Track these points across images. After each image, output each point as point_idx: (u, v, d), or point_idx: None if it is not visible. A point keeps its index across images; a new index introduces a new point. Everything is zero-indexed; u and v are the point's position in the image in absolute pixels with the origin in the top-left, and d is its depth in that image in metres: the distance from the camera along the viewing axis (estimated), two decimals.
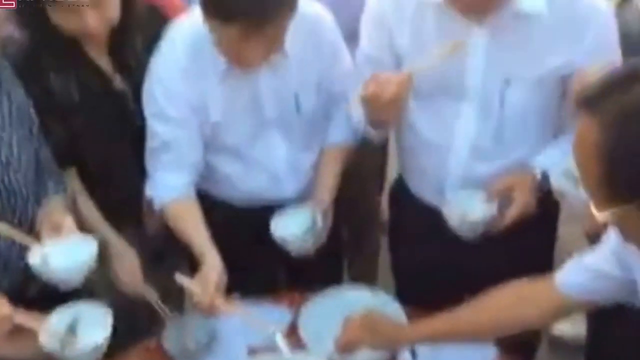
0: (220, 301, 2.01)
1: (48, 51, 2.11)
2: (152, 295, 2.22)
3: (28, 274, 1.93)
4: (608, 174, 1.25)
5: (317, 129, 2.35)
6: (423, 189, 2.30)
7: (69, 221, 1.95)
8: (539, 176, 2.08)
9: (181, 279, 2.02)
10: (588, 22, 1.96)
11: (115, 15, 2.09)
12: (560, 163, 1.94)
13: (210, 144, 2.24)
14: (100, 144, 2.21)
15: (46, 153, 2.12)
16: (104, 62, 2.21)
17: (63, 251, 1.89)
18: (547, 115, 2.09)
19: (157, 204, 2.22)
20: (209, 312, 2.03)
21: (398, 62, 2.11)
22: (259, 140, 2.25)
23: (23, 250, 1.92)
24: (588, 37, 1.96)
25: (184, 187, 2.23)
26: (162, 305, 2.20)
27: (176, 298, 2.30)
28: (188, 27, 2.11)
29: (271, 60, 2.08)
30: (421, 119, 2.16)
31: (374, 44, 2.15)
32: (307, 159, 2.36)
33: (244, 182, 2.31)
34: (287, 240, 2.18)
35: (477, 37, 1.98)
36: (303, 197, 2.35)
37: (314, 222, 2.19)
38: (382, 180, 3.60)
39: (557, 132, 2.17)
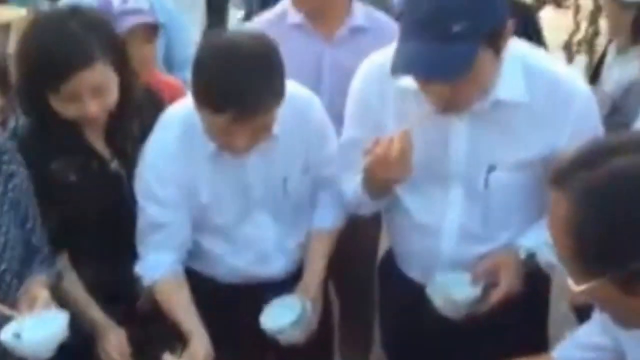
0: None
1: (48, 136, 2.20)
2: None
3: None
4: (579, 249, 1.29)
5: (304, 210, 2.40)
6: (412, 269, 2.31)
7: (44, 295, 1.98)
8: (523, 255, 2.11)
9: (168, 358, 2.03)
10: (569, 106, 2.00)
11: (114, 102, 2.19)
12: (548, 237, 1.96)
13: (199, 224, 2.29)
14: (95, 225, 2.26)
15: (38, 236, 2.16)
16: (100, 146, 2.29)
17: (34, 325, 1.91)
18: (533, 197, 2.12)
19: (146, 282, 2.26)
20: None
21: None
22: (247, 220, 2.30)
23: None
24: (570, 120, 2.00)
25: (172, 265, 2.26)
26: None
27: None
28: (180, 112, 2.21)
29: (260, 145, 2.15)
30: (409, 203, 2.20)
31: (358, 126, 2.22)
32: (295, 239, 2.40)
33: (232, 261, 2.34)
34: (277, 333, 2.19)
35: (459, 124, 2.04)
36: (291, 275, 2.38)
37: (303, 311, 2.21)
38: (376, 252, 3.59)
39: (542, 212, 2.18)
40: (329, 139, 2.36)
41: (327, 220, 2.40)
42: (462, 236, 2.15)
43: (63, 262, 2.27)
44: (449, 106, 1.93)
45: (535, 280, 2.16)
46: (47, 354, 1.93)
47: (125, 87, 2.21)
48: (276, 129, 2.15)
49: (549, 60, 2.10)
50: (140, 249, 2.27)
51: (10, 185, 2.05)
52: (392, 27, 2.70)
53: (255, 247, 2.33)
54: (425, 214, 2.17)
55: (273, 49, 2.05)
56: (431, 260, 2.20)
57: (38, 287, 2.02)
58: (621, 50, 3.31)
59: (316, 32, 2.78)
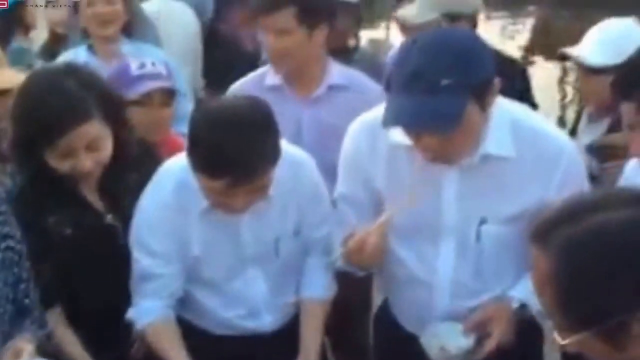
0: None
1: (43, 191, 2.23)
2: None
3: None
4: (561, 303, 1.30)
5: (294, 270, 2.41)
6: (406, 320, 2.33)
7: (29, 348, 1.96)
8: (515, 306, 2.13)
9: None
10: (556, 161, 2.06)
11: (108, 157, 2.23)
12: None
13: (191, 276, 2.32)
14: (89, 278, 2.27)
15: (31, 297, 2.13)
16: (95, 200, 2.33)
17: None
18: (525, 249, 2.12)
19: (138, 326, 2.28)
20: None
21: (376, 200, 2.21)
22: (238, 276, 2.32)
23: None
24: (557, 174, 2.06)
25: (164, 310, 2.28)
26: None
27: None
28: (176, 166, 2.26)
29: (254, 205, 2.19)
30: (403, 256, 2.22)
31: (350, 183, 2.27)
32: (286, 297, 2.41)
33: (222, 314, 2.36)
34: None
35: (450, 178, 2.09)
36: (282, 329, 2.40)
37: None
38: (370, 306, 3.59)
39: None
40: (322, 200, 2.38)
41: (319, 289, 2.40)
42: (454, 290, 2.17)
43: (56, 316, 2.27)
44: (439, 157, 1.99)
45: (527, 330, 2.17)
46: None
47: (120, 142, 2.26)
48: (270, 189, 2.19)
49: (536, 118, 2.17)
50: (134, 296, 2.30)
51: (3, 246, 2.05)
52: (369, 84, 2.83)
53: (245, 303, 2.35)
54: (418, 267, 2.19)
55: (267, 112, 2.11)
56: (425, 313, 2.21)
57: (24, 341, 2.00)
58: (592, 119, 3.00)
59: (294, 93, 2.81)
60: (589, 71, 2.81)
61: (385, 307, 2.45)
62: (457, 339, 2.13)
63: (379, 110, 2.03)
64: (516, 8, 12.53)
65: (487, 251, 2.12)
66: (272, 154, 2.07)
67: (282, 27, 2.65)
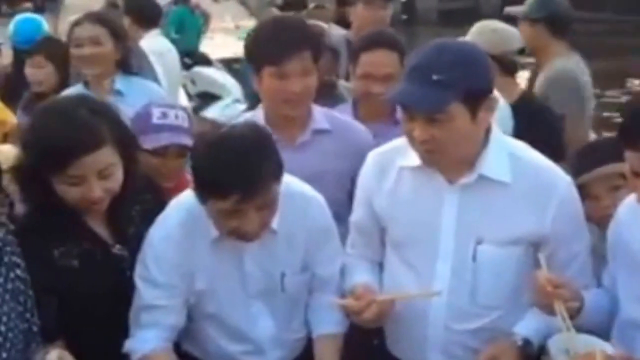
0: None
1: (49, 223, 2.22)
2: None
3: None
4: None
5: (300, 306, 2.44)
6: (403, 351, 2.36)
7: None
8: (520, 342, 2.18)
9: None
10: (549, 194, 2.18)
11: (118, 186, 2.24)
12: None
13: (195, 310, 2.33)
14: (96, 308, 2.26)
15: (36, 325, 2.13)
16: (102, 231, 2.33)
17: None
18: (521, 276, 2.21)
19: (135, 357, 2.26)
20: None
21: (379, 225, 2.33)
22: (243, 311, 2.33)
23: None
24: (551, 207, 2.17)
25: (162, 342, 2.28)
26: None
27: None
28: (185, 200, 2.29)
29: (261, 237, 2.23)
30: (400, 274, 2.30)
31: (358, 211, 2.40)
32: (294, 331, 2.42)
33: (228, 349, 2.36)
34: None
35: (449, 199, 2.20)
36: None
37: None
38: None
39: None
40: (331, 238, 2.42)
41: (331, 325, 2.40)
42: (449, 313, 2.22)
43: (59, 350, 2.18)
44: (431, 154, 2.14)
45: None
46: None
47: (128, 173, 2.28)
48: (274, 222, 2.24)
49: (533, 152, 2.28)
50: (132, 327, 2.29)
51: (12, 275, 2.06)
52: (352, 126, 2.85)
53: (251, 338, 2.35)
54: (414, 286, 2.25)
55: (264, 131, 2.21)
56: (421, 337, 2.26)
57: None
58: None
59: (279, 140, 2.60)
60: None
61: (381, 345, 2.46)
62: None
63: (392, 145, 2.30)
64: None
65: (483, 272, 2.20)
66: (274, 168, 2.15)
67: (307, 68, 2.64)
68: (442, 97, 2.05)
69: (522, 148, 2.25)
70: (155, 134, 2.71)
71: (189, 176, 2.80)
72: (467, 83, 2.06)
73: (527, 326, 2.20)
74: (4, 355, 1.98)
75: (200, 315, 2.34)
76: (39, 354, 2.05)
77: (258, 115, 2.74)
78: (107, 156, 2.19)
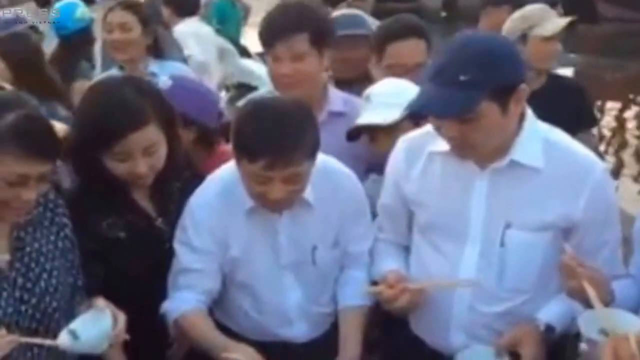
0: None
1: (98, 196, 2.37)
2: None
3: None
4: None
5: (330, 281, 2.53)
6: (427, 330, 2.43)
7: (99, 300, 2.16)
8: (542, 327, 2.23)
9: (227, 355, 2.20)
10: (583, 180, 2.20)
11: (162, 163, 2.38)
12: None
13: (228, 279, 2.45)
14: (138, 279, 2.40)
15: (81, 279, 2.32)
16: (146, 205, 2.48)
17: (86, 323, 2.11)
18: (549, 262, 2.25)
19: (170, 317, 2.38)
20: None
21: (408, 210, 2.41)
22: (274, 281, 2.44)
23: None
24: (584, 193, 2.19)
25: (197, 304, 2.40)
26: None
27: None
28: (223, 171, 2.44)
29: (294, 208, 2.34)
30: (427, 258, 2.37)
31: (387, 194, 2.48)
32: (319, 307, 2.52)
33: (256, 318, 2.47)
34: None
35: (480, 183, 2.25)
36: (314, 340, 2.50)
37: None
38: None
39: (561, 283, 2.29)
40: (363, 216, 2.52)
41: (358, 298, 2.47)
42: (475, 294, 2.28)
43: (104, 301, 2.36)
44: (462, 148, 2.18)
45: (554, 353, 2.27)
46: (102, 347, 2.11)
47: (171, 150, 2.41)
48: (311, 197, 2.35)
49: (568, 138, 2.30)
50: (170, 290, 2.42)
51: (62, 234, 2.26)
52: None
53: (279, 309, 2.46)
54: (441, 269, 2.32)
55: (308, 109, 2.32)
56: (445, 319, 2.33)
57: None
58: None
59: None
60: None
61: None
62: None
63: (421, 130, 2.33)
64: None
65: (510, 256, 2.24)
66: (309, 145, 2.24)
67: (297, 53, 2.77)
68: (470, 98, 2.03)
69: (558, 134, 2.28)
70: None
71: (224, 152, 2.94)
72: (495, 80, 2.05)
73: (551, 312, 2.25)
74: (55, 304, 2.18)
75: (233, 284, 2.45)
76: (83, 305, 2.22)
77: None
78: (152, 134, 2.32)
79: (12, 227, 2.15)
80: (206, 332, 2.34)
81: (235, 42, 6.73)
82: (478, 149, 2.17)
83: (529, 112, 2.25)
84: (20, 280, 2.14)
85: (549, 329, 2.23)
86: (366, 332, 2.48)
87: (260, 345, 2.40)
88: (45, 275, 2.18)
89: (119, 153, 2.29)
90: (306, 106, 2.32)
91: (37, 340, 2.08)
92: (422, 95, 2.14)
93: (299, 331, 2.48)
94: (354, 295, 2.48)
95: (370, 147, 2.77)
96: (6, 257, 2.12)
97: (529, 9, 3.75)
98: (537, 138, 2.22)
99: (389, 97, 2.74)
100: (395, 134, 2.60)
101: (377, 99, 2.74)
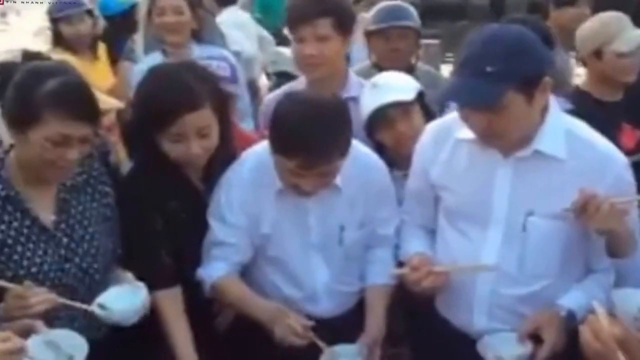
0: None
1: (159, 177, 2.49)
2: None
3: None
4: None
5: (356, 261, 2.63)
6: (451, 311, 2.50)
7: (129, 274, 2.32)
8: (563, 314, 2.29)
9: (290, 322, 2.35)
10: (603, 172, 2.26)
11: (214, 145, 2.49)
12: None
13: (259, 252, 2.56)
14: (197, 259, 2.55)
15: (118, 248, 2.46)
16: (202, 187, 2.60)
17: (120, 294, 2.27)
18: (570, 248, 2.33)
19: (206, 284, 2.52)
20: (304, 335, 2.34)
21: (434, 194, 2.47)
22: (302, 259, 2.55)
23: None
24: (605, 184, 2.24)
25: (231, 271, 2.54)
26: None
27: None
28: (256, 151, 2.56)
29: (323, 193, 2.44)
30: (451, 240, 2.44)
31: (415, 178, 2.56)
32: (345, 285, 2.62)
33: (284, 292, 2.57)
34: None
35: (504, 171, 2.31)
36: (339, 316, 2.60)
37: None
38: None
39: (583, 270, 2.38)
40: (389, 201, 2.63)
41: (384, 277, 2.58)
42: (497, 277, 2.34)
43: (173, 297, 2.51)
44: (489, 138, 2.25)
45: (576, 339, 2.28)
46: (134, 319, 2.25)
47: (224, 134, 2.52)
48: (339, 181, 2.45)
49: (590, 131, 2.36)
50: (204, 259, 2.55)
51: (104, 202, 2.43)
52: None
53: (305, 286, 2.57)
54: (464, 252, 2.39)
55: (345, 108, 2.40)
56: (469, 300, 2.40)
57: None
58: None
59: None
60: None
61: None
62: (513, 348, 2.30)
63: (448, 117, 2.43)
64: None
65: (532, 242, 2.30)
66: (341, 145, 2.35)
67: (321, 35, 2.91)
68: (496, 89, 2.09)
69: (580, 126, 2.34)
70: None
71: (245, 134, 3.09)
72: (521, 71, 2.11)
73: (572, 299, 2.31)
74: (96, 266, 2.36)
75: (264, 258, 2.57)
76: (117, 270, 2.40)
77: (302, 80, 3.08)
78: (206, 116, 2.43)
79: (58, 190, 2.32)
80: (242, 295, 2.50)
81: (277, 31, 6.81)
82: (504, 138, 2.23)
83: (553, 103, 2.31)
84: (65, 240, 2.31)
85: (571, 315, 2.28)
86: (393, 325, 2.57)
87: None
88: (88, 237, 2.35)
89: (174, 134, 2.41)
90: (342, 103, 2.41)
91: (74, 304, 2.22)
92: (452, 86, 2.21)
93: (324, 308, 2.59)
94: (380, 274, 2.59)
95: (384, 134, 2.81)
96: (51, 217, 2.30)
97: (602, 20, 3.45)
98: (560, 129, 2.28)
99: (398, 81, 2.86)
100: (410, 115, 2.75)
101: (387, 84, 2.83)
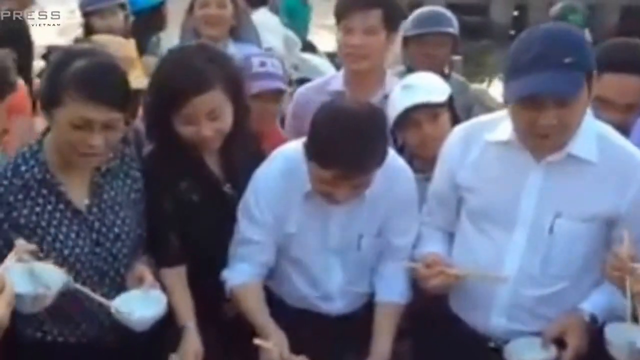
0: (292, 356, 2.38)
1: (175, 159, 2.53)
2: None
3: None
4: None
5: (371, 264, 2.68)
6: (468, 311, 2.53)
7: (150, 277, 2.32)
8: (587, 318, 2.32)
9: (258, 341, 2.38)
10: (633, 175, 2.29)
11: (227, 128, 2.52)
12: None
13: (281, 251, 2.61)
14: (204, 240, 2.58)
15: (145, 231, 2.50)
16: (216, 170, 2.64)
17: (142, 301, 2.27)
18: (594, 251, 2.36)
19: (228, 285, 2.57)
20: None
21: (458, 196, 2.51)
22: (321, 261, 2.61)
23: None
24: (632, 188, 2.29)
25: (254, 277, 2.59)
26: None
27: None
28: (288, 152, 2.59)
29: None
30: (474, 241, 2.47)
31: (440, 179, 2.59)
32: (358, 287, 2.68)
33: (301, 290, 2.65)
34: None
35: (535, 174, 2.34)
36: (351, 313, 2.68)
37: None
38: None
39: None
40: (410, 212, 2.64)
41: (395, 294, 2.63)
42: (520, 278, 2.38)
43: (178, 275, 2.56)
44: (546, 139, 2.24)
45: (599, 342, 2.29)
46: (147, 327, 2.26)
47: (239, 117, 2.55)
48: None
49: (619, 136, 2.40)
50: (230, 259, 2.60)
51: (135, 187, 2.47)
52: None
53: (322, 286, 2.63)
54: (487, 253, 2.42)
55: (383, 118, 2.45)
56: (487, 301, 2.43)
57: (144, 268, 2.37)
58: None
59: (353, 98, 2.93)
60: None
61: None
62: (538, 353, 2.33)
63: (473, 120, 2.52)
64: None
65: (558, 244, 2.33)
66: (379, 156, 2.39)
67: (370, 26, 2.94)
68: (577, 78, 2.15)
69: (609, 130, 2.37)
70: (255, 80, 3.02)
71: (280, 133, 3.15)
72: (590, 62, 2.19)
73: (595, 302, 2.34)
74: (125, 250, 2.41)
75: (285, 258, 2.62)
76: (138, 261, 2.43)
77: (339, 75, 3.11)
78: (216, 99, 2.46)
79: (92, 174, 2.35)
80: (254, 308, 2.52)
81: (302, 39, 6.87)
82: (565, 136, 2.25)
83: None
84: (97, 224, 2.35)
85: (593, 319, 2.31)
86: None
87: (298, 312, 2.63)
88: (119, 222, 2.39)
89: (185, 115, 2.44)
90: (380, 112, 2.45)
91: (95, 296, 2.23)
92: (529, 82, 2.15)
93: (337, 306, 2.66)
94: (393, 291, 2.63)
95: (410, 135, 2.84)
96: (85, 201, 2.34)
97: None
98: (592, 132, 2.32)
99: (430, 83, 2.88)
100: (439, 118, 2.77)
101: (419, 85, 2.85)
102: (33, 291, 1.98)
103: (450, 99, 2.88)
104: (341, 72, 3.15)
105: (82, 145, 2.20)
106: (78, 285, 2.18)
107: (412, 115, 2.79)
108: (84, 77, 2.16)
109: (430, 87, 2.85)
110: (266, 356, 2.36)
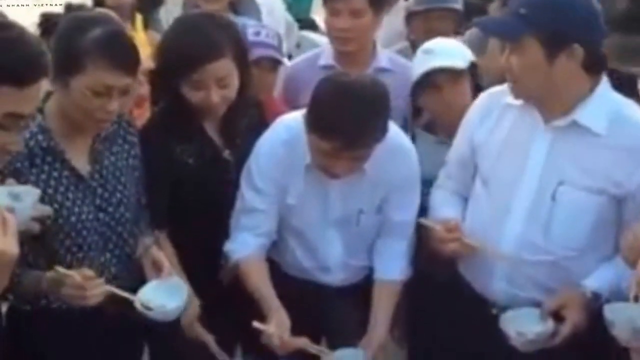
0: (292, 339, 2.40)
1: (175, 123, 2.56)
2: (209, 339, 2.59)
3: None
4: None
5: (370, 240, 2.71)
6: (473, 273, 2.56)
7: (167, 264, 2.37)
8: (589, 295, 2.32)
9: (258, 324, 2.39)
10: None
11: (234, 95, 2.55)
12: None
13: (282, 222, 2.64)
14: (201, 205, 2.59)
15: (144, 198, 2.54)
16: (216, 136, 2.67)
17: (163, 292, 2.32)
18: (600, 226, 2.36)
19: (231, 259, 2.59)
20: (284, 348, 2.39)
21: (475, 161, 2.54)
22: (320, 233, 2.64)
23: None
24: None
25: (257, 249, 2.61)
26: (218, 348, 2.58)
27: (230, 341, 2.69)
28: (290, 121, 2.60)
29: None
30: (483, 205, 2.50)
31: (461, 144, 2.62)
32: (357, 260, 2.71)
33: (300, 261, 2.69)
34: None
35: (541, 138, 2.37)
36: (349, 284, 2.72)
37: None
38: None
39: (613, 249, 2.37)
40: (411, 188, 2.65)
41: (395, 272, 2.66)
42: (521, 242, 2.40)
43: (163, 238, 2.60)
44: (511, 85, 2.35)
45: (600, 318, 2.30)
46: (173, 317, 2.33)
47: (243, 85, 2.58)
48: (366, 164, 2.49)
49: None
50: (232, 226, 2.62)
51: (132, 152, 2.49)
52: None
53: (321, 257, 2.67)
54: (490, 217, 2.46)
55: (385, 93, 2.44)
56: (489, 263, 2.45)
57: (156, 250, 2.44)
58: None
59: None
60: None
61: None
62: (535, 324, 2.34)
63: (500, 88, 2.50)
64: None
65: (559, 211, 2.34)
66: (379, 130, 2.39)
67: (356, 8, 2.97)
68: (517, 27, 2.23)
69: (629, 106, 2.36)
70: (250, 49, 2.97)
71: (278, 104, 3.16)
72: (552, 26, 2.20)
73: (599, 279, 2.34)
74: (127, 215, 2.44)
75: (286, 228, 2.66)
76: (146, 237, 2.49)
77: (329, 49, 3.13)
78: (227, 66, 2.49)
79: (93, 140, 2.37)
80: (258, 284, 2.53)
81: (305, 16, 6.85)
82: (521, 85, 2.31)
83: (605, 80, 2.34)
84: (99, 190, 2.38)
85: (596, 297, 2.31)
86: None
87: (298, 282, 2.67)
88: (120, 187, 2.41)
89: (195, 81, 2.47)
90: (382, 86, 2.44)
91: (123, 293, 2.26)
92: (487, 17, 2.46)
93: (335, 278, 2.70)
94: (392, 269, 2.65)
95: (429, 99, 2.85)
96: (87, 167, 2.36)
97: None
98: (607, 106, 2.31)
99: (451, 48, 2.89)
100: (460, 83, 2.78)
101: (440, 50, 2.86)
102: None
103: (473, 66, 2.88)
104: (330, 46, 3.17)
105: (100, 111, 2.23)
106: (109, 286, 2.22)
107: (432, 78, 2.79)
108: (107, 44, 2.20)
109: (451, 52, 2.85)
110: (267, 339, 2.38)
